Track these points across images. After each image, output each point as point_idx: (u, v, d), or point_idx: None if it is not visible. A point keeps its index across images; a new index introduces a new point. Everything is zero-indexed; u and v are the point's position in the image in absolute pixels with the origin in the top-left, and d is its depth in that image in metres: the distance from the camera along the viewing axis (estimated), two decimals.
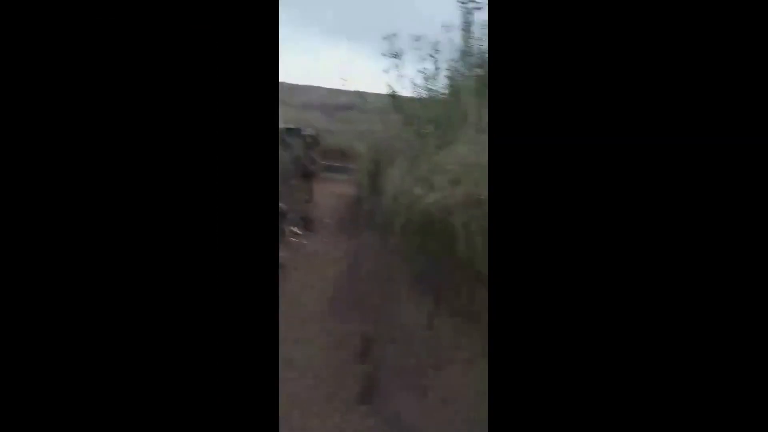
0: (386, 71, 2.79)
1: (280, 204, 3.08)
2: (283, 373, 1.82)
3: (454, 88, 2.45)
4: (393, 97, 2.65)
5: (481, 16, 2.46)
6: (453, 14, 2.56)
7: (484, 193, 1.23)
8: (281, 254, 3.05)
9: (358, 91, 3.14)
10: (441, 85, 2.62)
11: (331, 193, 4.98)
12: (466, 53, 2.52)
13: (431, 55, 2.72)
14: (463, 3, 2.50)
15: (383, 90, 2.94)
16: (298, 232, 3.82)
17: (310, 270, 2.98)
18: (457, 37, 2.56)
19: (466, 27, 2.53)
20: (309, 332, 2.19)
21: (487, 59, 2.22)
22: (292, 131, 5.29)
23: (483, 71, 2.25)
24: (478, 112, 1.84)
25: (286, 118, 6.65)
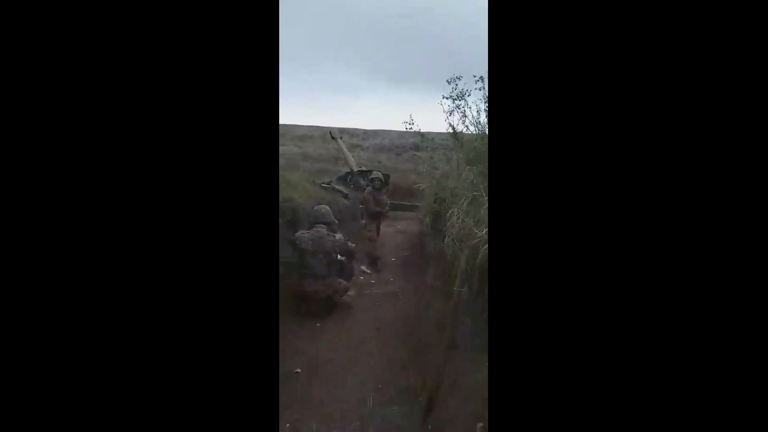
0: (449, 113, 2.83)
1: (350, 243, 3.19)
2: (341, 423, 1.78)
3: None
4: (455, 136, 2.65)
5: None
6: None
7: None
8: (349, 293, 3.12)
9: (420, 132, 3.21)
10: None
11: (397, 232, 5.03)
12: None
13: None
14: None
15: (449, 129, 2.97)
16: (367, 271, 3.89)
17: (376, 312, 2.97)
18: None
19: None
20: (372, 380, 2.14)
21: None
22: (364, 173, 5.59)
23: None
24: None
25: (359, 161, 7.09)
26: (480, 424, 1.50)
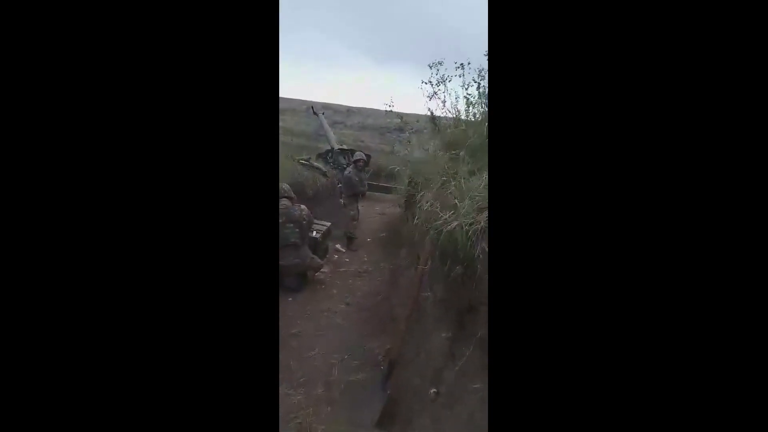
0: (429, 97, 2.87)
1: (327, 222, 3.24)
2: (307, 389, 1.89)
3: None
4: (433, 121, 2.71)
5: None
6: None
7: None
8: (323, 270, 3.19)
9: (400, 114, 3.26)
10: (482, 110, 2.62)
11: (376, 213, 5.11)
12: None
13: (475, 81, 2.75)
14: None
15: (429, 112, 3.01)
16: (342, 249, 3.96)
17: (347, 288, 3.07)
18: None
19: None
20: (339, 349, 2.25)
21: None
22: (344, 152, 5.57)
23: None
24: None
25: (341, 139, 7.01)
26: (433, 390, 1.64)
